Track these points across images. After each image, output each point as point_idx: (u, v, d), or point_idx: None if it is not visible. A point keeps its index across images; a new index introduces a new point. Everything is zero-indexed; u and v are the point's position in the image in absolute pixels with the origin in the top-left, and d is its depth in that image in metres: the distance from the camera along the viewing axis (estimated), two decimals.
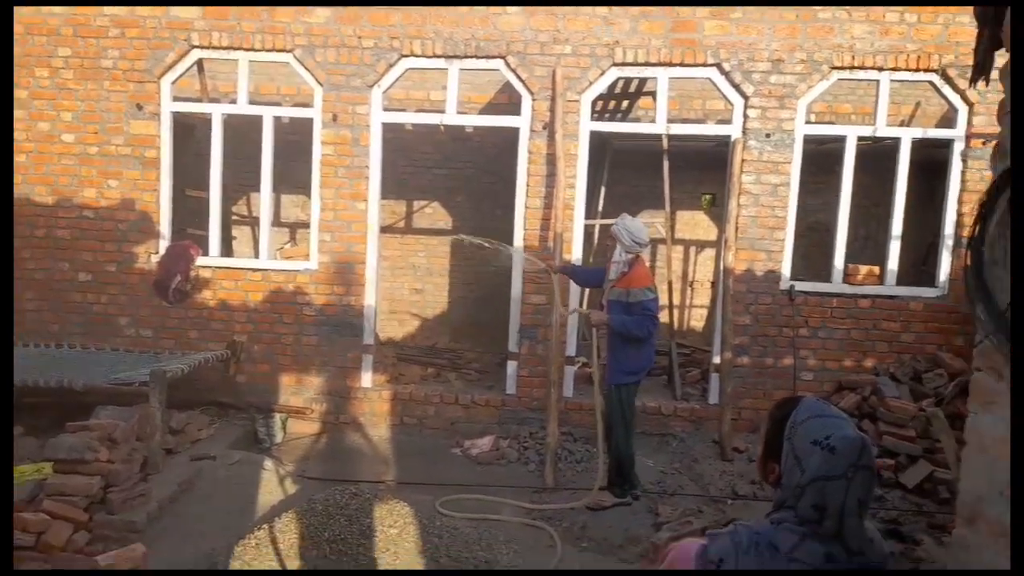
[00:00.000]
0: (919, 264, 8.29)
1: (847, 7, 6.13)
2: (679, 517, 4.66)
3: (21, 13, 6.47)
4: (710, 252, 9.75)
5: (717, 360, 6.39)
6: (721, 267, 6.38)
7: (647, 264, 4.89)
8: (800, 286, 6.39)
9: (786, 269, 6.41)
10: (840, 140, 6.52)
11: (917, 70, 6.22)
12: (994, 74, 2.17)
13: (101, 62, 6.54)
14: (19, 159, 6.61)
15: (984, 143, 6.16)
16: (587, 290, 7.35)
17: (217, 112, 6.79)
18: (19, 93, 6.55)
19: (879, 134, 6.42)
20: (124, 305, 6.69)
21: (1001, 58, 2.11)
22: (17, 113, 6.56)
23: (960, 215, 6.31)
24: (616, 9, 6.27)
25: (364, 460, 6.05)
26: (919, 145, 6.66)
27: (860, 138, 6.49)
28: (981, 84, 2.44)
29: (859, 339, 6.38)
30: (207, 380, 6.48)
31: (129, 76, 6.54)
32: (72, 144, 6.62)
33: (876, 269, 6.50)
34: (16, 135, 6.57)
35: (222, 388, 6.57)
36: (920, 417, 5.40)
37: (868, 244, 8.91)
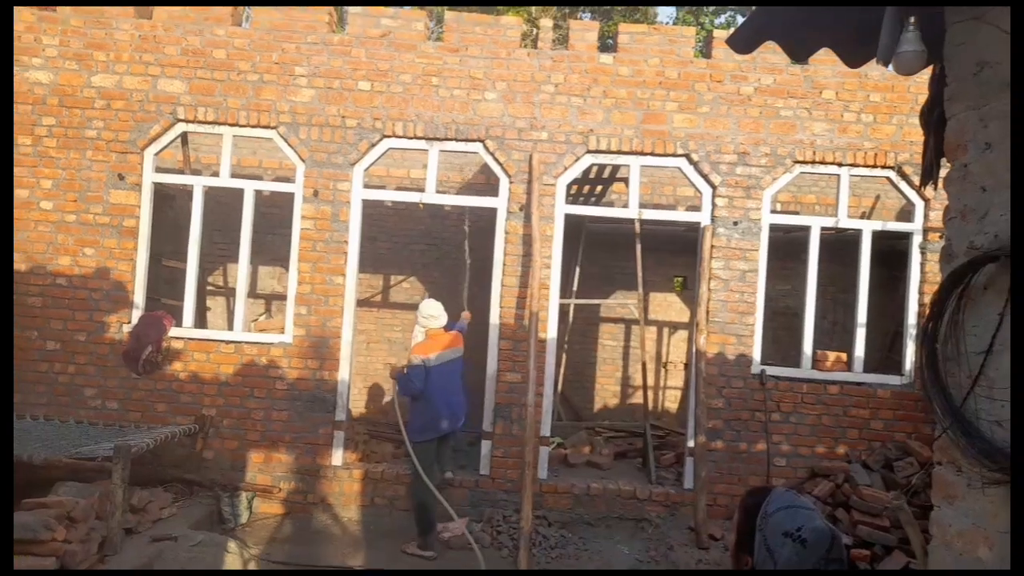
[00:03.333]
0: (885, 351, 8.50)
1: (807, 108, 6.52)
2: None
3: None
4: (683, 333, 9.90)
5: (691, 444, 6.41)
6: (693, 350, 6.48)
7: (437, 337, 5.94)
8: (771, 371, 6.51)
9: (757, 353, 6.54)
10: (805, 229, 6.80)
11: (875, 166, 6.58)
12: (942, 175, 2.34)
13: (85, 132, 6.64)
14: None
15: (940, 237, 6.46)
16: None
17: (199, 184, 6.89)
18: None
19: (841, 225, 6.71)
20: (91, 376, 6.56)
21: (944, 167, 2.29)
22: None
23: (921, 305, 6.54)
24: (589, 100, 6.58)
25: (332, 543, 5.87)
26: (881, 236, 6.97)
27: (823, 228, 6.76)
28: (932, 186, 2.62)
29: (830, 425, 6.46)
30: (172, 455, 6.31)
31: (112, 147, 6.64)
32: (50, 212, 6.63)
33: (844, 356, 6.66)
34: None
35: (188, 464, 6.39)
36: (892, 506, 5.42)
37: (837, 329, 9.14)
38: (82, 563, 4.37)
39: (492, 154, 6.66)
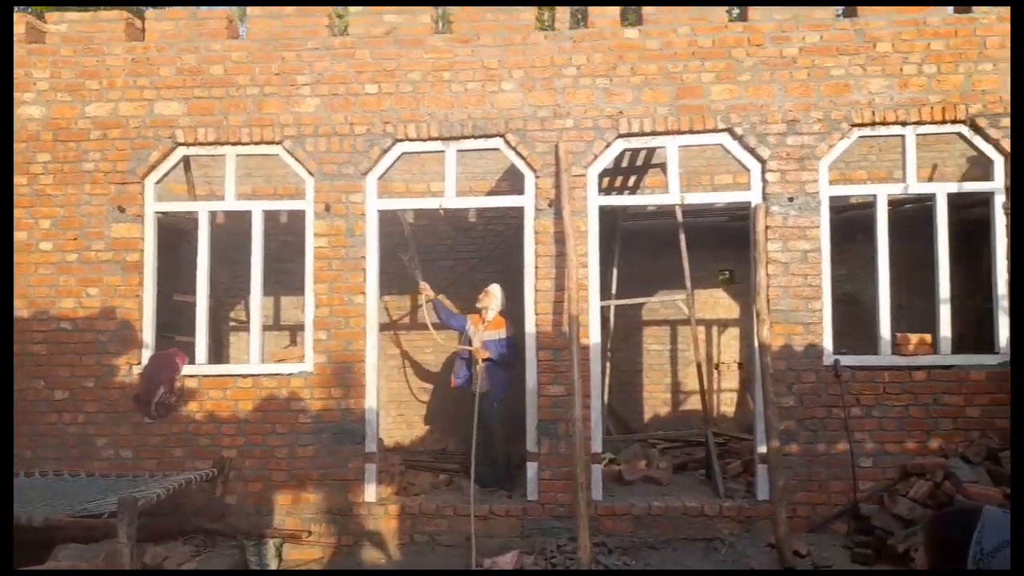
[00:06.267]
0: (973, 330, 7.69)
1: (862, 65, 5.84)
2: None
3: None
4: (734, 331, 9.18)
5: (763, 449, 5.68)
6: (756, 344, 5.78)
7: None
8: (846, 360, 5.77)
9: (828, 342, 5.81)
10: (861, 208, 6.07)
11: (943, 122, 5.85)
12: None
13: (82, 165, 6.25)
14: None
15: None
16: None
17: (204, 210, 6.45)
18: None
19: (911, 191, 5.99)
20: (102, 424, 6.09)
21: None
22: None
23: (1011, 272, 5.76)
24: (616, 80, 6.00)
25: None
26: (949, 205, 6.23)
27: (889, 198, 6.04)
28: None
29: (919, 416, 5.69)
30: (193, 503, 5.79)
31: (111, 178, 6.23)
32: (50, 252, 6.23)
33: (928, 337, 5.88)
34: None
35: (209, 512, 5.85)
36: (1008, 505, 4.65)
37: (904, 313, 8.31)
38: None
39: (514, 148, 6.10)
